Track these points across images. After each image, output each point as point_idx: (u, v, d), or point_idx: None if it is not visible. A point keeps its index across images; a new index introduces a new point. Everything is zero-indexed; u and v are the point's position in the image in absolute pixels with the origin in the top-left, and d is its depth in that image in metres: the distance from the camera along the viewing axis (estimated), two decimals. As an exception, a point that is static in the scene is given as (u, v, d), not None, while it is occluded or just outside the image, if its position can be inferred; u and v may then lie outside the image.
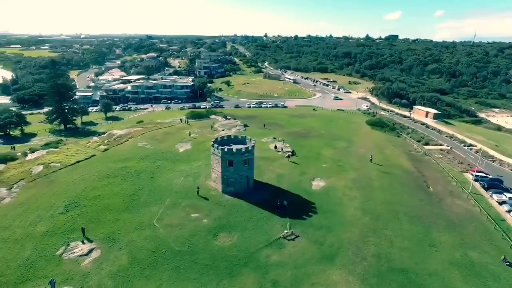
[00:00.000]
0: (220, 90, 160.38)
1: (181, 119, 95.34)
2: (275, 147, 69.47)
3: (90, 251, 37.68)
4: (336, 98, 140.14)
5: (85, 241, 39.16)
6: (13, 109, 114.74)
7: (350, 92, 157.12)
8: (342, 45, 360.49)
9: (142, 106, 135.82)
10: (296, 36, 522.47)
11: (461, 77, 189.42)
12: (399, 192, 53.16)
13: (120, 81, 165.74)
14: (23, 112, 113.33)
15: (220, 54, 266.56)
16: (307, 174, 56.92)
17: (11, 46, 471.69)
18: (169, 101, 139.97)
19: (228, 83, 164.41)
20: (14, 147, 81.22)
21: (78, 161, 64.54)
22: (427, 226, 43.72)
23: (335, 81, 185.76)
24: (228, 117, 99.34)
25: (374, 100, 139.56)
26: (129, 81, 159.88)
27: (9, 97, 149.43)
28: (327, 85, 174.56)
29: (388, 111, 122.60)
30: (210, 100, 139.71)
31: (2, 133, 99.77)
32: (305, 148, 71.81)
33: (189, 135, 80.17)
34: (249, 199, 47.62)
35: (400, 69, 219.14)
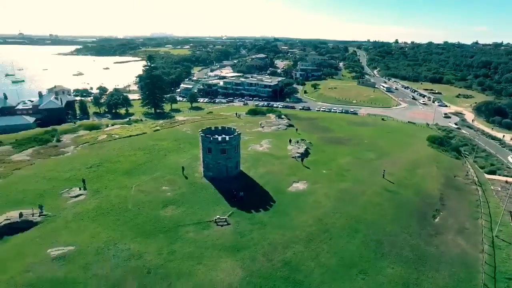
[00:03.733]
0: (305, 92, 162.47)
1: (236, 113, 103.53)
2: (291, 145, 70.36)
3: (78, 195, 49.08)
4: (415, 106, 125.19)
5: (81, 188, 50.84)
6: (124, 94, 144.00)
7: (446, 106, 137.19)
8: (486, 53, 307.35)
9: (224, 100, 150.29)
10: (429, 43, 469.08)
11: None
12: (384, 213, 47.87)
13: (218, 77, 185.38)
14: (130, 97, 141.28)
15: (326, 58, 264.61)
16: (295, 176, 56.67)
17: (166, 46, 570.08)
18: (250, 98, 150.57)
19: (315, 86, 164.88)
20: (75, 122, 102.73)
21: (130, 136, 79.61)
22: (379, 254, 39.08)
23: (439, 93, 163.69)
24: (283, 116, 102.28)
25: (469, 115, 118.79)
26: (224, 78, 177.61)
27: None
28: (424, 96, 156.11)
29: (476, 130, 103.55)
30: (289, 100, 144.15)
31: (112, 111, 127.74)
32: (324, 153, 70.07)
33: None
34: (220, 185, 51.67)
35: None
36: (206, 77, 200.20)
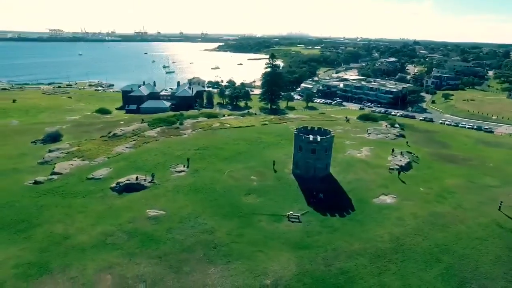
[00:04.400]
0: (433, 102, 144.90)
1: (346, 117, 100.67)
2: (392, 156, 65.24)
3: (181, 171, 57.39)
4: None
5: (185, 166, 59.24)
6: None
7: None
8: None
9: (341, 103, 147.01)
10: None
11: None
12: (485, 251, 38.96)
13: (339, 79, 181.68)
14: (254, 92, 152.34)
15: (470, 65, 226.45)
16: (386, 189, 52.43)
17: (298, 45, 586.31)
18: (369, 103, 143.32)
19: (446, 96, 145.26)
20: (199, 110, 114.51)
21: (240, 126, 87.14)
22: None
23: None
24: (396, 125, 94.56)
25: None
26: (345, 80, 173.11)
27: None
28: None
29: None
30: (411, 109, 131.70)
31: (232, 103, 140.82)
32: (430, 170, 62.41)
33: (336, 130, 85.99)
34: (304, 184, 52.44)
35: None
36: (327, 78, 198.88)
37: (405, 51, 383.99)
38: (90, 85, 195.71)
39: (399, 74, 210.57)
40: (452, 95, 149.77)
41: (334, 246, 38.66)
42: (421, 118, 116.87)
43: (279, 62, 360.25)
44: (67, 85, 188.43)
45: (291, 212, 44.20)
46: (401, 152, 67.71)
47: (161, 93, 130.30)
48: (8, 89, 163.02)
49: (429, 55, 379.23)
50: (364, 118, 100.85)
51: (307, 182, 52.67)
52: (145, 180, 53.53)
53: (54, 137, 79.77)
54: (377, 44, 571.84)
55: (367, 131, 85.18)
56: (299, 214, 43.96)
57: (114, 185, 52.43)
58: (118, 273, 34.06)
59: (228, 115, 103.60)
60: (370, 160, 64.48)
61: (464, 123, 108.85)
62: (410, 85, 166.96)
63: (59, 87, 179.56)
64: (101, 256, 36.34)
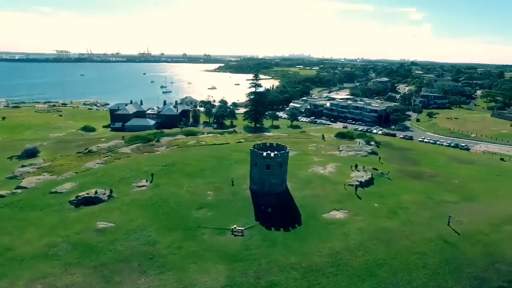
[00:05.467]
0: (417, 120, 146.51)
1: (323, 135, 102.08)
2: (356, 172, 66.07)
3: (142, 186, 58.50)
4: None
5: (147, 181, 60.39)
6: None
7: None
8: None
9: (326, 122, 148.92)
10: None
11: None
12: (423, 266, 39.59)
13: (327, 98, 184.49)
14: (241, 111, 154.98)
15: (459, 84, 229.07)
16: (339, 204, 53.07)
17: (297, 66, 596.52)
18: (353, 122, 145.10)
19: (431, 115, 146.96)
20: (181, 128, 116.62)
21: (214, 144, 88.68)
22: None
23: None
24: (372, 143, 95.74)
25: None
26: (333, 99, 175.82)
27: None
28: None
29: None
30: (394, 127, 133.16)
31: (218, 122, 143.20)
32: (391, 186, 62.97)
33: (308, 147, 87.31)
34: (258, 199, 53.21)
35: None
36: (317, 97, 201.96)
37: (401, 72, 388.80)
38: (84, 104, 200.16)
39: (389, 93, 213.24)
40: (437, 113, 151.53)
41: (270, 259, 39.22)
42: (401, 136, 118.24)
43: (276, 82, 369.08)
44: (62, 104, 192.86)
45: (235, 226, 44.95)
46: (363, 168, 68.59)
47: (147, 112, 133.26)
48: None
49: (425, 75, 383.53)
50: (341, 136, 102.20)
51: (260, 197, 53.53)
52: (104, 194, 54.69)
53: (31, 153, 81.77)
54: (375, 64, 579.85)
55: (338, 148, 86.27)
56: (243, 228, 44.69)
57: (72, 198, 53.62)
58: (49, 282, 34.84)
59: (208, 133, 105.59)
60: (332, 176, 65.30)
61: (442, 140, 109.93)
62: (397, 104, 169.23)
63: (54, 105, 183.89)
64: (37, 266, 37.19)
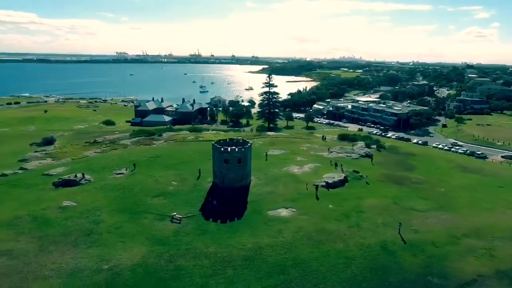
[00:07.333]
0: (444, 126, 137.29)
1: (323, 136, 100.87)
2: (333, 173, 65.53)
3: (120, 174, 63.56)
4: None
5: (127, 169, 65.44)
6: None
7: None
8: None
9: (343, 124, 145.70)
10: None
11: None
12: (342, 270, 38.70)
13: (351, 100, 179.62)
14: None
15: (507, 89, 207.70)
16: (291, 203, 53.06)
17: (341, 69, 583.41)
18: (372, 125, 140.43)
19: (460, 120, 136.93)
20: (193, 125, 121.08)
21: (210, 140, 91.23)
22: None
23: None
24: (373, 146, 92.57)
25: None
26: (356, 101, 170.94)
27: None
28: None
29: None
30: (412, 132, 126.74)
31: (236, 120, 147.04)
32: (363, 189, 61.02)
33: (300, 148, 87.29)
34: (214, 192, 55.60)
35: None
36: (341, 100, 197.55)
37: (452, 76, 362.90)
38: (123, 101, 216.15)
39: (423, 97, 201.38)
40: (469, 119, 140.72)
41: (190, 247, 41.36)
42: (415, 141, 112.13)
43: (314, 83, 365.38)
44: (103, 100, 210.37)
45: (174, 214, 47.76)
46: (342, 168, 67.58)
47: (166, 108, 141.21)
48: (46, 102, 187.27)
49: (479, 78, 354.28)
50: (342, 137, 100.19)
51: (216, 191, 55.75)
52: (82, 178, 60.63)
53: (48, 141, 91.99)
54: (425, 68, 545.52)
55: (328, 149, 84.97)
56: (181, 216, 47.35)
57: (55, 180, 60.30)
58: (-5, 246, 40.49)
59: (212, 130, 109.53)
60: (302, 176, 65.02)
61: (457, 147, 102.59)
62: (425, 108, 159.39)
63: (94, 101, 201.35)
64: (-6, 232, 43.25)
